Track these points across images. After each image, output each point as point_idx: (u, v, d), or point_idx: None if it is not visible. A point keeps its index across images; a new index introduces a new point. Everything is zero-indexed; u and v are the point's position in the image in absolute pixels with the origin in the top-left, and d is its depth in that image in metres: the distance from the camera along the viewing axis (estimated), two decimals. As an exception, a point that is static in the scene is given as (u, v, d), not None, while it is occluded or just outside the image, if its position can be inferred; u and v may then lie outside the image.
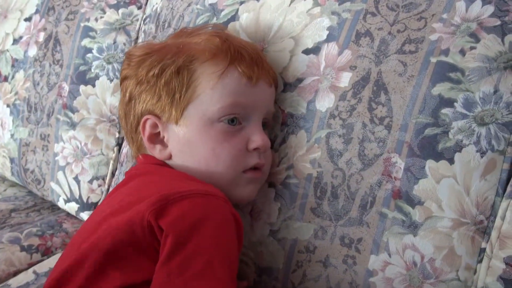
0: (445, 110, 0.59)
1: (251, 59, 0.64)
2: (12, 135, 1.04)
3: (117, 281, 0.51)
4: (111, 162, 0.94)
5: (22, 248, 0.86)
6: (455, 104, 0.59)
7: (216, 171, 0.62)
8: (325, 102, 0.66)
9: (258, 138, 0.63)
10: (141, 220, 0.52)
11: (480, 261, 0.57)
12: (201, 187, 0.56)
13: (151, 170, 0.64)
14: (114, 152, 0.94)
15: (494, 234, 0.56)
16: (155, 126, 0.64)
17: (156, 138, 0.65)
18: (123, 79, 0.68)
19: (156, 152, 0.65)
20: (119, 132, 0.94)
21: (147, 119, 0.64)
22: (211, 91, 0.62)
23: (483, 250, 0.57)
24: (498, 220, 0.56)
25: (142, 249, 0.52)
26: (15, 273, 0.82)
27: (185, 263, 0.49)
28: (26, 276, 0.81)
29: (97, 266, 0.52)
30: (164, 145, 0.64)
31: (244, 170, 0.63)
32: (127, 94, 0.66)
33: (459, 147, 0.58)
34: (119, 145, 0.95)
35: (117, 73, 0.94)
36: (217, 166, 0.62)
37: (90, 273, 0.51)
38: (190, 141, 0.62)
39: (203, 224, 0.52)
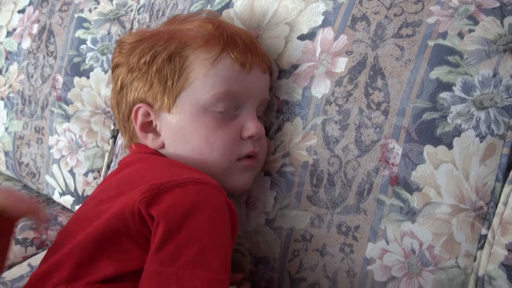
0: (444, 94, 0.57)
1: (244, 45, 0.63)
2: (6, 129, 1.03)
3: (108, 270, 0.49)
4: (107, 154, 0.93)
5: (17, 241, 0.85)
6: (453, 88, 0.57)
7: (209, 160, 0.61)
8: (321, 88, 0.64)
9: (252, 126, 0.61)
10: (131, 209, 0.51)
11: (480, 248, 0.56)
12: (194, 175, 0.55)
13: (144, 159, 0.63)
14: (109, 145, 0.93)
15: (495, 220, 0.55)
16: (147, 114, 0.63)
17: (148, 126, 0.63)
18: (114, 67, 0.67)
19: (149, 141, 0.63)
20: (114, 124, 0.93)
21: (139, 107, 0.63)
22: (204, 78, 0.60)
23: (483, 237, 0.56)
24: (500, 206, 0.55)
25: (134, 238, 0.51)
26: (10, 266, 0.82)
27: (177, 251, 0.48)
28: (21, 269, 0.80)
29: (89, 254, 0.50)
30: (156, 134, 0.63)
31: (239, 158, 0.62)
32: (119, 83, 0.65)
33: (458, 131, 0.56)
34: (114, 137, 0.93)
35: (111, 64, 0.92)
36: (211, 155, 0.60)
37: (82, 262, 0.50)
38: (183, 129, 0.61)
39: (195, 212, 0.50)
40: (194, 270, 0.48)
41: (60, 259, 0.51)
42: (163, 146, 0.63)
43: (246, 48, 0.63)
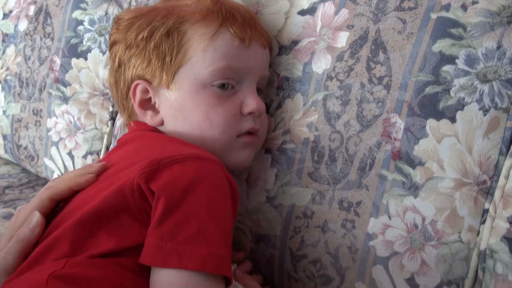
0: (446, 67, 0.56)
1: (243, 20, 0.62)
2: (4, 112, 1.02)
3: (108, 245, 0.49)
4: (105, 136, 0.92)
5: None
6: (456, 61, 0.56)
7: (209, 136, 0.60)
8: (321, 64, 0.64)
9: (252, 102, 0.61)
10: (131, 185, 0.50)
11: (483, 222, 0.55)
12: (194, 151, 0.54)
13: (143, 136, 0.62)
14: (108, 127, 0.92)
15: (497, 193, 0.54)
16: (145, 91, 0.62)
17: (147, 103, 0.63)
18: (112, 45, 0.66)
19: (148, 118, 0.62)
20: (112, 106, 0.92)
21: (137, 84, 0.62)
22: (203, 54, 0.60)
23: (486, 211, 0.55)
24: (501, 179, 0.54)
25: (133, 214, 0.50)
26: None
27: (177, 227, 0.48)
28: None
29: (88, 230, 0.50)
30: (155, 110, 0.62)
31: (239, 135, 0.61)
32: (116, 60, 0.64)
33: (461, 105, 0.56)
34: (113, 119, 0.93)
35: (109, 45, 0.91)
36: (211, 131, 0.60)
37: (81, 237, 0.50)
38: (182, 106, 0.60)
39: (195, 187, 0.50)
40: (194, 245, 0.47)
41: (60, 235, 0.50)
42: (162, 123, 0.62)
43: (245, 23, 0.62)
